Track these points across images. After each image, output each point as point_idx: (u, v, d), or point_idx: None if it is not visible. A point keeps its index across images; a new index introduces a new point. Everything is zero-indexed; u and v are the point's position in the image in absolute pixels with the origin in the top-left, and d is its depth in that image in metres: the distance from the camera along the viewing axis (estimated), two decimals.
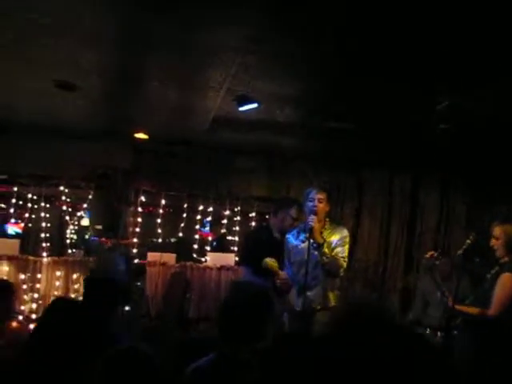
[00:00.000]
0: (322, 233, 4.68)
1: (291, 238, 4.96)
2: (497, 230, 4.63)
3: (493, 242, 4.68)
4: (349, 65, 4.16)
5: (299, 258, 4.75)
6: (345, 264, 4.70)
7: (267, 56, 4.04)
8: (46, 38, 3.93)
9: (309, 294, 4.59)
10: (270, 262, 4.92)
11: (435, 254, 4.88)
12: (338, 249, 4.68)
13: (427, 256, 4.92)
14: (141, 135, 6.44)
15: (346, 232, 4.82)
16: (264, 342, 2.83)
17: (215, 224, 7.63)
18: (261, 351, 2.83)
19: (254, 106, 4.92)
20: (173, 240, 8.30)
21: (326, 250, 4.59)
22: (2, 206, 8.49)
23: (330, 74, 4.38)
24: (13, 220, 8.39)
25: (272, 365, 2.32)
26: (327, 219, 4.82)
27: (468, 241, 4.60)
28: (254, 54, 3.95)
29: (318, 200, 4.66)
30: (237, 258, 6.90)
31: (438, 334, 5.38)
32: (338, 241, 4.70)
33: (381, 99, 4.86)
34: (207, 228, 7.94)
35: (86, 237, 9.30)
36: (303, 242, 4.74)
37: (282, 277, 4.85)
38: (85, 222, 9.06)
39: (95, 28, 3.74)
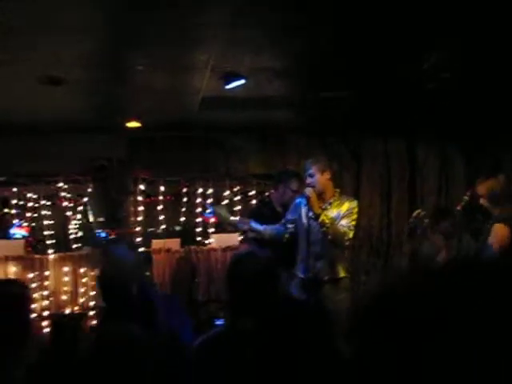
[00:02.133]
0: (330, 203, 4.70)
1: (298, 200, 4.96)
2: (480, 189, 4.67)
3: (481, 201, 4.72)
4: (335, 32, 4.14)
5: (302, 227, 4.79)
6: (350, 233, 4.70)
7: (251, 29, 4.01)
8: (27, 35, 3.92)
9: (316, 263, 4.61)
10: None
11: (422, 213, 4.88)
12: (344, 220, 4.69)
13: (414, 215, 4.93)
14: (133, 124, 6.44)
15: (354, 204, 4.81)
16: (271, 312, 2.86)
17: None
18: (268, 321, 2.87)
19: (242, 82, 4.90)
20: (177, 228, 8.33)
21: (326, 220, 4.60)
22: (6, 211, 8.53)
23: (317, 42, 4.35)
24: (16, 222, 8.42)
25: (280, 334, 2.34)
26: (337, 190, 4.83)
27: (465, 197, 4.63)
28: (237, 28, 3.92)
29: (308, 176, 4.71)
30: (241, 237, 6.92)
31: None
32: (345, 212, 4.71)
33: (370, 63, 4.83)
34: (209, 211, 7.93)
35: (93, 232, 9.34)
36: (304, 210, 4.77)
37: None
38: (90, 217, 9.09)
39: (77, 19, 3.73)
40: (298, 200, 4.97)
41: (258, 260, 2.73)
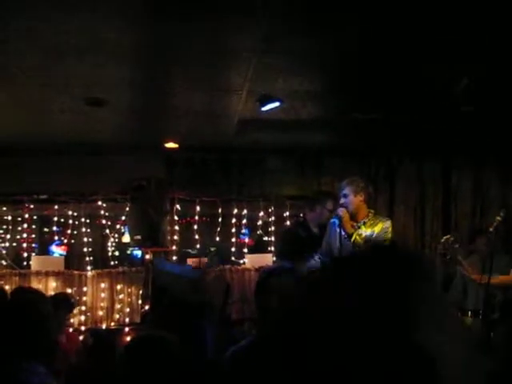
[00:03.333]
0: (364, 223, 4.74)
1: (333, 221, 5.02)
2: None
3: None
4: (369, 54, 4.22)
5: (335, 248, 4.83)
6: None
7: (283, 54, 4.14)
8: (71, 58, 4.12)
9: None
10: None
11: (451, 238, 4.88)
12: (379, 240, 4.73)
13: (442, 241, 4.92)
14: (171, 145, 6.61)
15: (388, 223, 4.84)
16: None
17: (251, 229, 7.72)
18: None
19: (276, 104, 5.01)
20: (212, 249, 8.43)
21: (358, 239, 4.66)
22: (46, 230, 8.77)
23: (350, 66, 4.45)
24: (56, 241, 8.65)
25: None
26: (370, 211, 4.88)
27: (498, 218, 4.64)
28: (269, 53, 4.05)
29: (342, 196, 4.78)
30: (274, 258, 6.98)
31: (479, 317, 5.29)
32: (379, 232, 4.75)
33: (405, 85, 4.89)
34: (246, 234, 8.01)
35: (128, 252, 9.51)
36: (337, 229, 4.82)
37: None
38: (125, 238, 9.27)
39: (117, 42, 3.91)
40: (331, 220, 5.03)
41: (290, 274, 2.80)
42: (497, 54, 4.18)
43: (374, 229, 4.77)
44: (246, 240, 7.66)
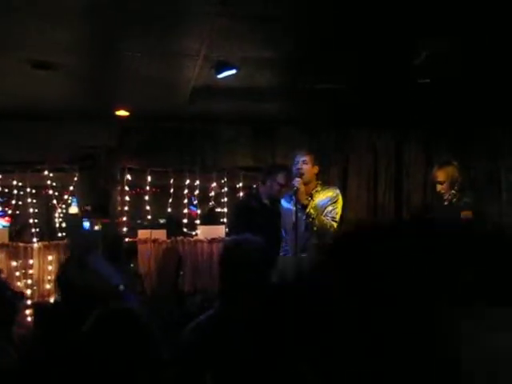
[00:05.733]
0: (311, 195, 4.77)
1: (283, 202, 5.08)
2: (440, 175, 4.82)
3: (439, 187, 4.86)
4: (329, 23, 4.14)
5: (289, 220, 4.83)
6: (334, 224, 4.77)
7: (243, 19, 4.01)
8: (18, 19, 3.88)
9: (302, 255, 4.64)
10: None
11: None
12: (329, 208, 4.80)
13: None
14: (122, 112, 6.38)
15: (337, 192, 4.93)
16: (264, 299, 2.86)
17: (203, 199, 7.61)
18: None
19: (233, 71, 4.88)
20: (162, 221, 8.29)
21: (312, 211, 4.67)
22: None
23: (309, 34, 4.36)
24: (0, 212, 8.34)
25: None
26: (318, 182, 4.92)
27: (453, 191, 4.70)
28: (228, 17, 3.91)
29: (301, 162, 4.76)
30: (227, 229, 6.91)
31: None
32: (328, 200, 4.82)
33: (362, 56, 4.84)
34: (195, 204, 7.91)
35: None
36: (292, 204, 4.82)
37: None
38: (73, 209, 9.01)
39: (67, 3, 3.69)
40: (285, 195, 5.06)
41: (255, 246, 2.73)
42: (456, 27, 4.16)
43: (325, 196, 4.85)
44: (195, 210, 7.57)
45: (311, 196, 4.81)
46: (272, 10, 3.88)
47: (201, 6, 3.75)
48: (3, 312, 2.34)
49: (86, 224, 9.16)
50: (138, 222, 7.63)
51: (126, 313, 2.00)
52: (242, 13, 3.89)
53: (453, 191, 4.78)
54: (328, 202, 4.81)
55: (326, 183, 5.42)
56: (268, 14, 3.95)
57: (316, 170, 4.89)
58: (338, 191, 4.95)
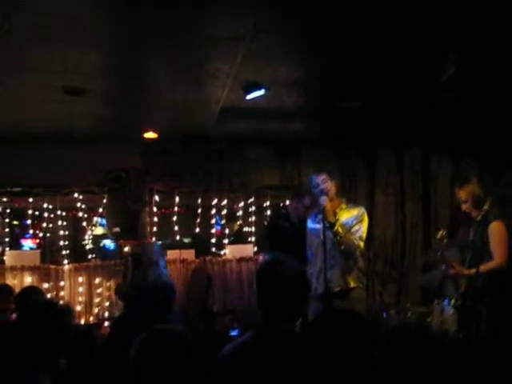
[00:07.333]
0: (335, 213, 4.75)
1: (309, 222, 5.07)
2: (462, 194, 4.78)
3: (463, 207, 4.81)
4: (351, 43, 4.15)
5: (316, 239, 4.82)
6: (361, 243, 4.76)
7: (270, 42, 4.04)
8: (47, 45, 3.94)
9: (327, 274, 4.61)
10: None
11: (444, 233, 4.84)
12: (356, 227, 4.79)
13: (438, 237, 4.87)
14: (150, 134, 6.44)
15: (362, 210, 4.91)
16: (299, 320, 2.85)
17: (230, 218, 7.65)
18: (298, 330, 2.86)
19: (261, 92, 4.91)
20: (186, 240, 8.34)
21: (340, 229, 4.66)
22: (15, 222, 8.55)
23: (336, 53, 4.37)
24: (28, 234, 8.44)
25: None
26: (342, 199, 4.92)
27: (485, 207, 4.63)
28: (256, 41, 3.94)
29: (321, 181, 4.76)
30: (255, 248, 6.94)
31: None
32: (354, 219, 4.81)
33: (386, 74, 4.85)
34: (221, 223, 7.94)
35: (101, 245, 9.35)
36: (318, 223, 4.81)
37: None
38: (98, 230, 9.09)
39: (96, 30, 3.75)
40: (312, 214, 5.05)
41: (292, 265, 2.72)
42: (481, 42, 4.16)
43: (349, 215, 4.83)
44: (219, 229, 7.61)
45: (335, 214, 4.79)
46: (302, 33, 3.91)
47: (236, 31, 3.79)
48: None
49: (111, 244, 9.25)
50: (165, 240, 7.68)
51: (178, 335, 2.00)
52: (275, 38, 3.93)
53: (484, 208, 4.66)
54: (354, 221, 4.79)
55: (354, 201, 5.41)
56: (299, 37, 3.99)
57: (335, 187, 4.85)
58: (363, 209, 4.92)
